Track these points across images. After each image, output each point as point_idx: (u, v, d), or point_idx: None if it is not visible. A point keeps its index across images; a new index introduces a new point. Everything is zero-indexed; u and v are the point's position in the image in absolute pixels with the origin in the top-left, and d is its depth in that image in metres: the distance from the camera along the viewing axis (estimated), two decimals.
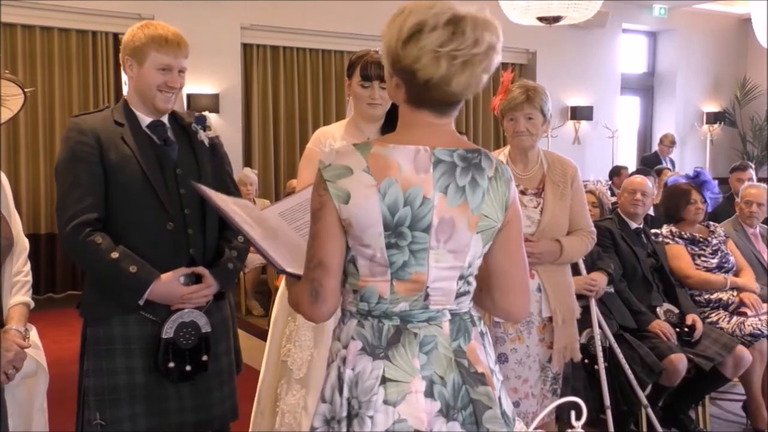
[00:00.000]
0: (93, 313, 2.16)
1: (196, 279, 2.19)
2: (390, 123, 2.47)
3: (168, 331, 2.12)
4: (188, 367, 2.14)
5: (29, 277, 2.40)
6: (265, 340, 2.67)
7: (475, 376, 1.50)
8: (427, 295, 1.48)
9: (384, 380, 1.45)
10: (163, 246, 2.14)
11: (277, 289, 3.09)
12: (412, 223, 1.43)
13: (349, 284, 1.50)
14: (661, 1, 9.91)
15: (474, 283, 1.55)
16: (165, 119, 2.25)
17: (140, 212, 2.12)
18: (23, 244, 2.40)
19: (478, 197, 1.47)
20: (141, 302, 2.09)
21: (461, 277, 1.50)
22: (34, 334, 2.41)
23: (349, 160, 1.44)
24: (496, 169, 1.50)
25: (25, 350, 2.22)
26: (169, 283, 2.11)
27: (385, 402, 1.44)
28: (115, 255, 2.05)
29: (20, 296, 2.35)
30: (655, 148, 9.24)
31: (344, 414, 1.46)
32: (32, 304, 2.41)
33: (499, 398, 1.53)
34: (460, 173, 1.46)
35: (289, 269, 1.53)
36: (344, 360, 1.49)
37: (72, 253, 2.12)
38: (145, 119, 2.21)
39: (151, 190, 2.12)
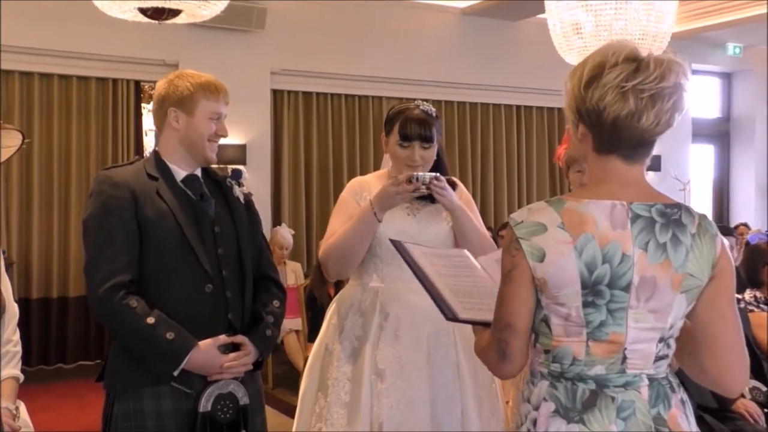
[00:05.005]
0: (121, 384, 2.15)
1: (233, 346, 2.19)
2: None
3: (205, 404, 2.11)
4: None
5: (19, 347, 2.44)
6: (293, 417, 2.65)
7: None
8: (624, 358, 1.51)
9: None
10: (201, 310, 2.16)
11: (305, 359, 3.07)
12: (611, 281, 1.47)
13: (540, 344, 1.56)
14: (736, 40, 9.88)
15: (674, 347, 1.57)
16: (198, 173, 2.29)
17: (177, 273, 2.15)
18: (13, 310, 2.45)
19: (681, 255, 1.50)
20: (176, 373, 2.09)
21: (661, 339, 1.53)
22: (23, 410, 2.44)
23: (543, 216, 1.51)
24: (699, 225, 1.54)
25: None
26: (207, 352, 2.12)
27: None
28: (150, 320, 2.06)
29: (10, 369, 2.38)
30: (734, 201, 8.97)
31: None
32: (21, 378, 2.45)
33: None
34: (660, 229, 1.51)
35: (462, 317, 1.67)
36: (534, 422, 1.54)
37: (104, 317, 2.13)
38: (180, 173, 2.25)
39: (189, 249, 2.15)
